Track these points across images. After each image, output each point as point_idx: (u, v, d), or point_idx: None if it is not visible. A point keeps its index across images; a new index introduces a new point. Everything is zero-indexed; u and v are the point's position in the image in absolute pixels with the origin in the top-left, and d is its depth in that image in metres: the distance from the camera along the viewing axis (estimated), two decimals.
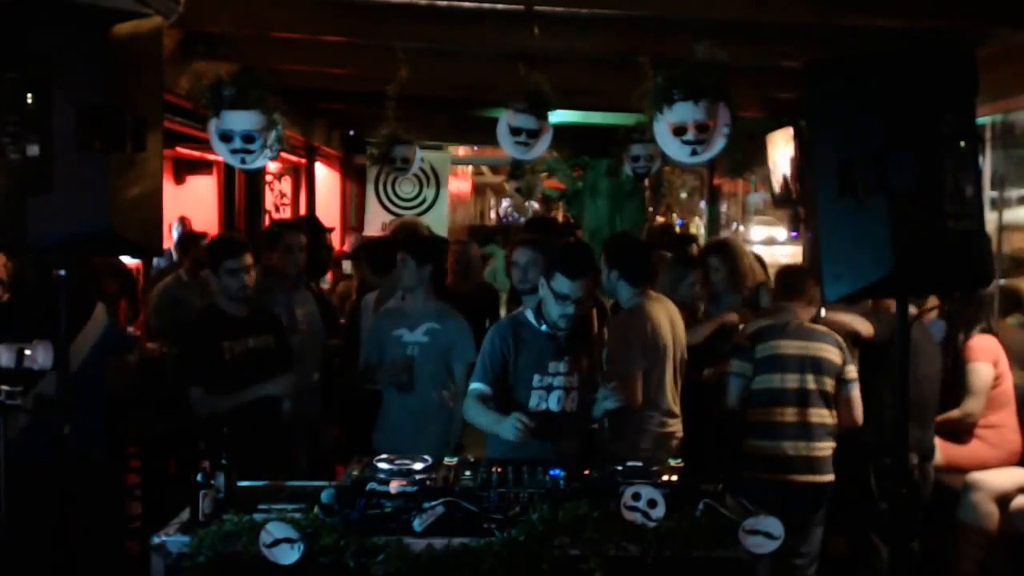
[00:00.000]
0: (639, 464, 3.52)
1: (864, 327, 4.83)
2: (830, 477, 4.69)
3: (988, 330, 5.28)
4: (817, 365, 4.66)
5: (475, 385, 3.99)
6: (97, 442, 4.54)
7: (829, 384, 4.67)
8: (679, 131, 4.83)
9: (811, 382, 4.65)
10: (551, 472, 3.42)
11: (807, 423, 4.64)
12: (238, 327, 4.58)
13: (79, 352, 4.39)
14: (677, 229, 13.35)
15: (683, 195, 15.60)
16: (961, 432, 5.15)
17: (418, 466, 3.44)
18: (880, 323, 4.84)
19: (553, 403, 3.96)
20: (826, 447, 4.67)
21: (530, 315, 4.02)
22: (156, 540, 3.12)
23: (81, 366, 4.37)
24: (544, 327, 3.96)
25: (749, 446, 4.72)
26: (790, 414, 4.64)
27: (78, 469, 4.33)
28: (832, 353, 4.69)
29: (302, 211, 11.24)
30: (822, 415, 4.67)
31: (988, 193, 6.28)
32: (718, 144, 4.90)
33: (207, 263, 4.78)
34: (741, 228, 12.72)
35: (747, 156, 8.61)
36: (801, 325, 4.73)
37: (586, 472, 3.45)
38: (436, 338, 4.77)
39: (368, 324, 5.21)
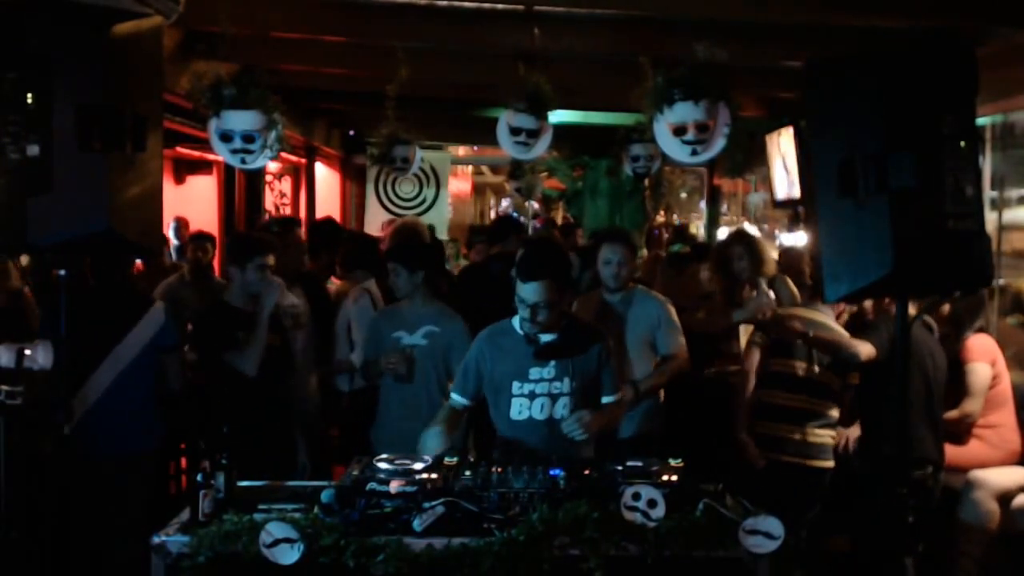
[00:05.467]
0: (639, 464, 3.51)
1: (866, 350, 4.72)
2: (829, 463, 4.96)
3: (984, 329, 5.29)
4: (824, 358, 4.92)
5: (452, 396, 3.98)
6: (151, 437, 4.58)
7: (833, 378, 4.95)
8: (679, 131, 4.83)
9: (816, 372, 4.93)
10: (551, 472, 3.41)
11: (808, 410, 4.91)
12: (250, 321, 4.64)
13: (132, 347, 4.43)
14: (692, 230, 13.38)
15: (683, 195, 15.62)
16: (960, 433, 5.15)
17: (418, 466, 3.44)
18: (881, 339, 4.74)
19: (537, 411, 3.80)
20: (824, 434, 4.94)
21: (516, 321, 3.87)
22: (156, 540, 3.12)
23: (135, 361, 4.42)
24: (522, 332, 3.81)
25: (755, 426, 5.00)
26: (794, 399, 4.91)
27: (132, 463, 4.41)
28: None
29: (302, 211, 11.25)
30: (825, 405, 4.94)
31: (988, 193, 6.28)
32: (718, 144, 4.90)
33: (231, 258, 4.83)
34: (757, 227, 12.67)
35: (747, 156, 8.62)
36: (818, 321, 4.95)
37: (586, 472, 3.44)
38: (434, 340, 4.77)
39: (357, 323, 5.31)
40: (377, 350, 4.84)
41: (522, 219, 15.09)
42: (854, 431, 5.10)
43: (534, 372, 3.81)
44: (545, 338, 3.80)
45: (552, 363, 3.81)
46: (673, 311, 4.88)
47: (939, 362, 4.93)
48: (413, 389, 4.77)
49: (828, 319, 5.03)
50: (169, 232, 9.30)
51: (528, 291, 3.67)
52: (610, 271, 4.82)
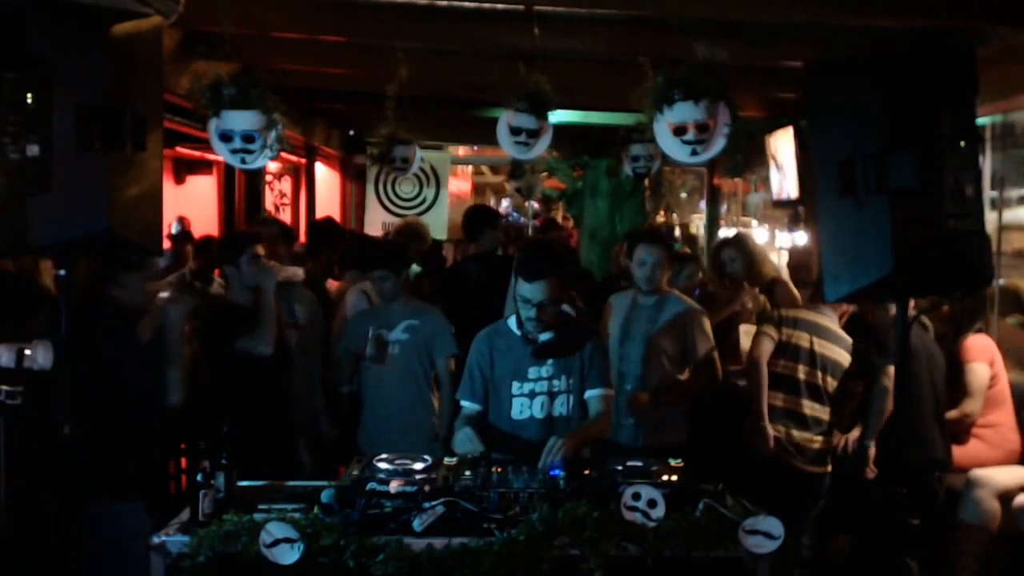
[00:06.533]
0: (639, 464, 3.51)
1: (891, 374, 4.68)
2: (826, 468, 5.02)
3: (982, 330, 5.29)
4: (828, 364, 4.99)
5: (463, 403, 3.97)
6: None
7: (831, 384, 5.00)
8: (679, 131, 4.83)
9: (818, 377, 4.97)
10: (551, 472, 3.41)
11: (806, 413, 4.97)
12: (255, 317, 4.67)
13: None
14: (677, 230, 13.35)
15: (683, 195, 15.60)
16: (959, 432, 5.15)
17: (418, 466, 3.45)
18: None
19: (537, 410, 3.83)
20: (820, 440, 5.00)
21: (512, 321, 3.92)
22: (156, 540, 3.12)
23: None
24: (520, 332, 3.85)
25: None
26: (793, 403, 4.98)
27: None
28: (844, 357, 5.03)
29: (302, 211, 11.24)
30: (823, 411, 5.01)
31: (988, 193, 6.27)
32: (718, 144, 4.91)
33: (224, 258, 4.87)
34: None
35: (747, 156, 8.62)
36: (822, 325, 5.03)
37: (586, 472, 3.44)
38: (416, 333, 4.83)
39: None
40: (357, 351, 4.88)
41: (522, 219, 15.07)
42: (854, 433, 5.11)
43: (532, 371, 3.84)
44: (543, 337, 3.83)
45: (550, 361, 3.84)
46: (706, 321, 4.86)
47: (939, 363, 4.95)
48: (400, 385, 4.79)
49: (831, 321, 5.04)
50: (174, 228, 9.29)
51: (533, 290, 3.70)
52: (644, 272, 4.79)
